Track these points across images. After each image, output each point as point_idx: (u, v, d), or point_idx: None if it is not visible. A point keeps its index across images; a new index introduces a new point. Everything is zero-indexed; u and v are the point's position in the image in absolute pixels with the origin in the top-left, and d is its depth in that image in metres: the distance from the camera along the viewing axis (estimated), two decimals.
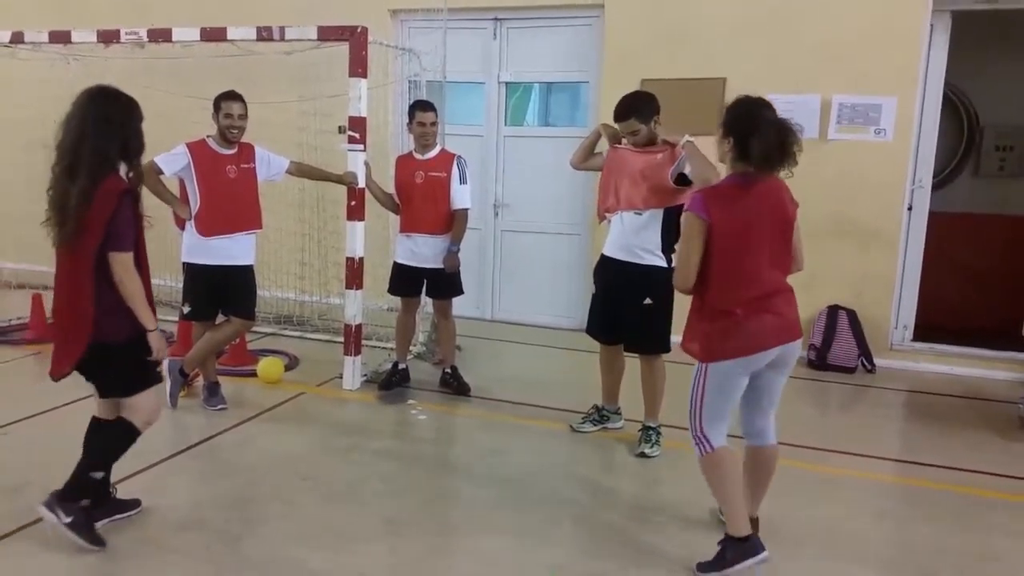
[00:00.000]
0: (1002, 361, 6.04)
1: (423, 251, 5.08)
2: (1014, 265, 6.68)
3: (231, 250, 4.56)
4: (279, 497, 3.66)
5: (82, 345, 2.99)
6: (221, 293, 4.60)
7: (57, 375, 3.10)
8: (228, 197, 4.54)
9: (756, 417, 3.23)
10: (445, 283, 5.13)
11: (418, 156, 5.06)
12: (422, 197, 5.03)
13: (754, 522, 3.22)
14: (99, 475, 3.17)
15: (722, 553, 3.04)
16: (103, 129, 2.97)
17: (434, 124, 5.02)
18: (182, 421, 4.55)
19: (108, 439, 3.21)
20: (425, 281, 5.17)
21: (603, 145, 4.45)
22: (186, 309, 4.71)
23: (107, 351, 3.03)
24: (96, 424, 3.27)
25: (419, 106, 5.06)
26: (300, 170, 5.07)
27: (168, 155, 4.47)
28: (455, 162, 5.04)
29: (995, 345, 6.06)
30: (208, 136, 4.63)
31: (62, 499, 3.10)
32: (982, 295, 6.95)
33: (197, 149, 4.54)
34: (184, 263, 4.66)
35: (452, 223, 5.05)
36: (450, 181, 5.01)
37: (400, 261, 5.18)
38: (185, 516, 3.45)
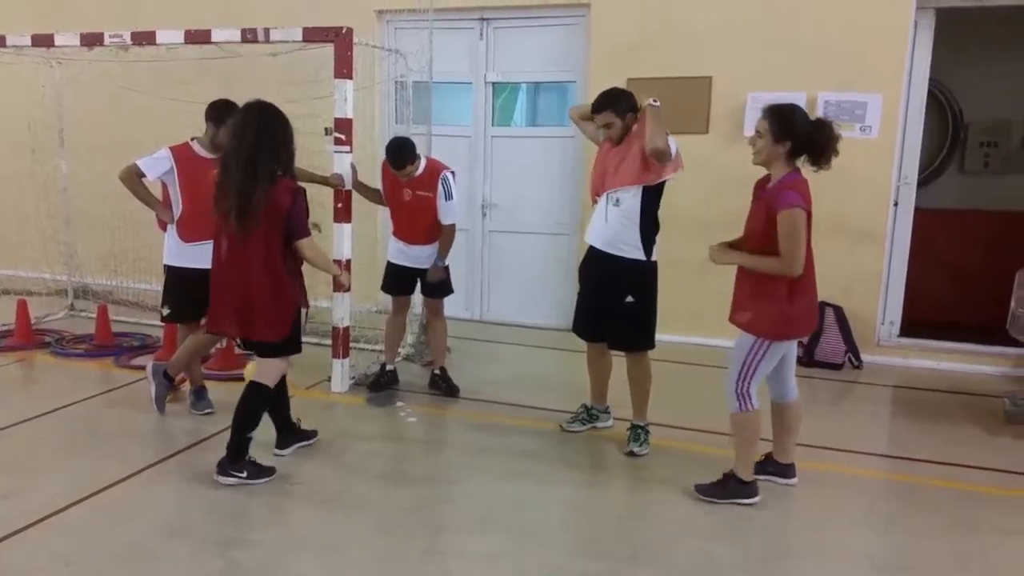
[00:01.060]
0: (988, 356, 6.08)
1: (416, 253, 5.12)
2: (999, 261, 6.69)
3: None
4: (268, 502, 3.64)
5: (292, 311, 3.74)
6: (203, 296, 4.55)
7: (279, 337, 3.73)
8: (210, 202, 4.49)
9: (786, 380, 3.78)
10: (437, 282, 5.14)
11: None
12: (411, 213, 5.05)
13: (791, 466, 3.91)
14: (251, 435, 3.80)
15: (723, 484, 3.71)
16: (273, 140, 3.61)
17: (408, 175, 4.96)
18: (168, 426, 4.52)
19: (248, 405, 3.81)
20: (418, 280, 5.17)
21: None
22: (165, 311, 4.68)
23: None
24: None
25: (388, 160, 4.94)
26: None
27: (150, 159, 4.43)
28: (440, 181, 5.00)
29: (981, 340, 6.10)
30: (193, 139, 4.58)
31: (232, 463, 3.74)
32: (968, 290, 6.99)
33: (180, 153, 4.48)
34: (166, 266, 4.63)
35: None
36: (436, 200, 5.01)
37: (393, 261, 5.20)
38: (173, 522, 3.44)
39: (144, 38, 5.53)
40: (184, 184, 4.45)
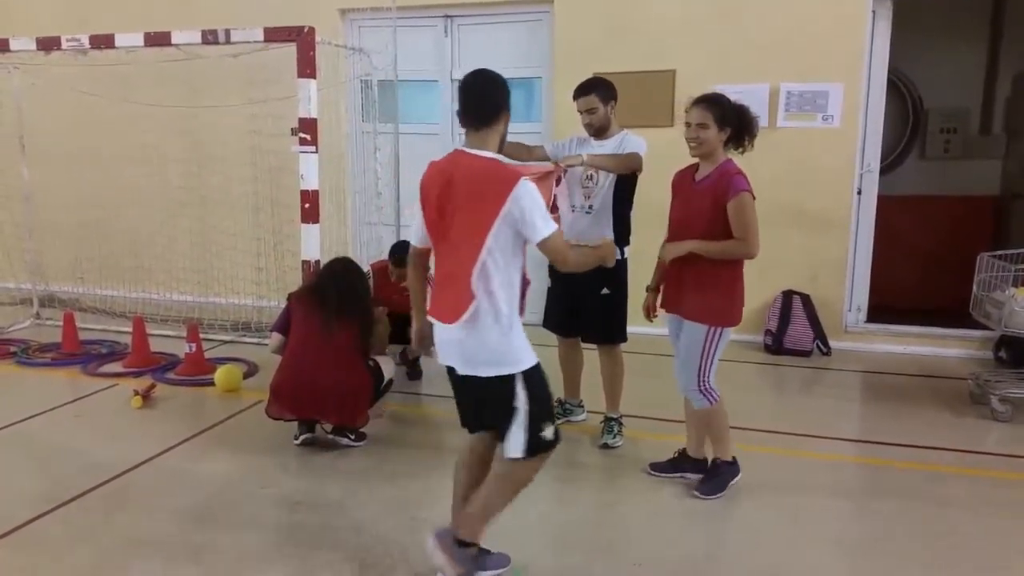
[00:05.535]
0: (953, 339, 6.19)
1: None
2: (960, 244, 6.83)
3: None
4: (240, 508, 3.61)
5: (370, 391, 4.32)
6: None
7: (365, 420, 4.28)
8: None
9: None
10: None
11: None
12: (406, 307, 5.20)
13: (706, 461, 3.87)
14: None
15: (718, 475, 3.74)
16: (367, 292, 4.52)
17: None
18: (137, 435, 4.47)
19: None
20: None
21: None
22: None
23: None
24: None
25: (398, 256, 5.05)
26: None
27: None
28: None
29: (945, 323, 6.21)
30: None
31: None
32: (931, 275, 7.11)
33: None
34: None
35: None
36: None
37: None
38: (143, 531, 3.39)
39: (102, 41, 5.47)
40: None
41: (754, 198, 3.44)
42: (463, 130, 2.86)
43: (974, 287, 4.96)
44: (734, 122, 3.47)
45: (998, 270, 4.86)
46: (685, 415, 3.88)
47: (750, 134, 3.51)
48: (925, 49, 7.36)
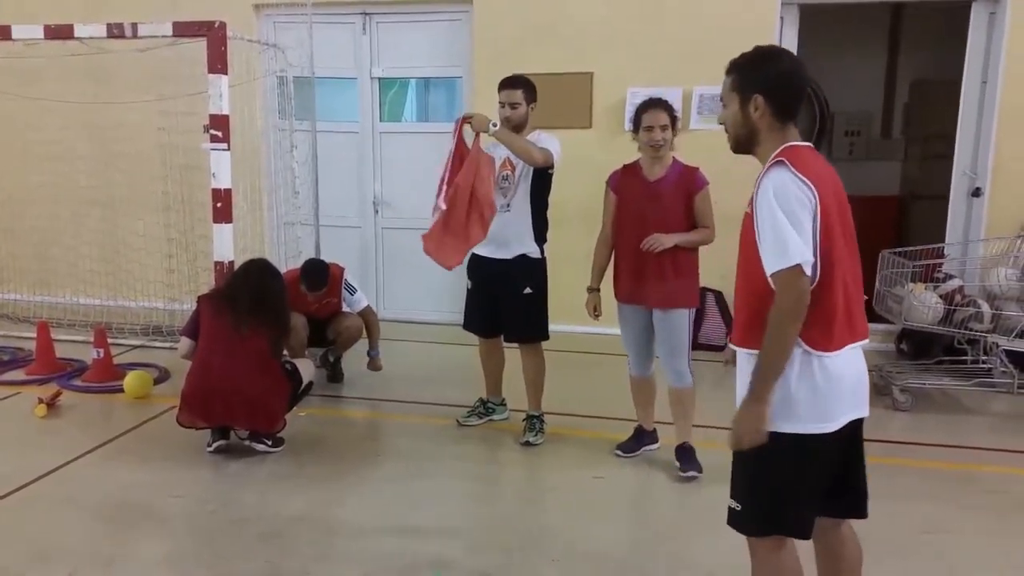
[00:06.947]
0: None
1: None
2: (865, 242, 7.12)
3: None
4: (150, 517, 3.50)
5: (287, 396, 4.21)
6: None
7: (282, 425, 4.19)
8: None
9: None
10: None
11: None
12: (318, 314, 5.19)
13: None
14: None
15: (694, 453, 3.94)
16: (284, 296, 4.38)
17: (320, 296, 5.09)
18: (43, 444, 4.27)
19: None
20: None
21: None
22: None
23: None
24: None
25: (308, 282, 4.98)
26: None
27: None
28: (342, 286, 5.18)
29: None
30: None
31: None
32: None
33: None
34: None
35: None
36: (341, 303, 5.22)
37: None
38: (49, 544, 3.25)
39: None
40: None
41: None
42: (782, 123, 2.25)
43: (877, 283, 5.19)
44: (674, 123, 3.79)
45: (898, 266, 5.10)
46: (633, 395, 4.10)
47: (675, 134, 3.83)
48: (831, 57, 7.66)
